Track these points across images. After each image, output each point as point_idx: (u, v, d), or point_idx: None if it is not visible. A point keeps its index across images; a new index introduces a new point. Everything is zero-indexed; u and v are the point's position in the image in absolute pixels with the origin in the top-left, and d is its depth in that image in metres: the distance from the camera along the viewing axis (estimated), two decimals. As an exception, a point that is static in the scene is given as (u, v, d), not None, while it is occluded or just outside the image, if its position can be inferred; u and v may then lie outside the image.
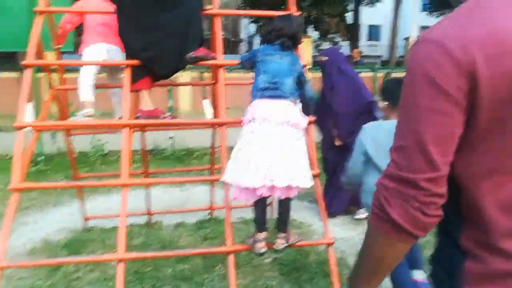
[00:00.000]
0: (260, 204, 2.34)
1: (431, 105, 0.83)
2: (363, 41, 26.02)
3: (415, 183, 0.85)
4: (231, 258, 2.40)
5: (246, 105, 2.42)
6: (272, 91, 2.27)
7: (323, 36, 17.20)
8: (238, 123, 2.63)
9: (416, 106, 0.85)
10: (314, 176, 2.47)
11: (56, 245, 3.62)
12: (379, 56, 28.01)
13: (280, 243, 2.38)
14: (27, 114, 3.02)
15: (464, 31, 0.82)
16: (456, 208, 0.93)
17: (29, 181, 5.38)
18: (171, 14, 2.70)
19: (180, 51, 2.73)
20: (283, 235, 2.39)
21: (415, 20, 13.45)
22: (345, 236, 3.85)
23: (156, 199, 4.39)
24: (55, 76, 3.69)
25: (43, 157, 6.57)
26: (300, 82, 2.43)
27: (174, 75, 3.14)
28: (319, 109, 4.18)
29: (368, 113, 3.85)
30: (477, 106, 0.81)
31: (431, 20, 22.50)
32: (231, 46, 25.93)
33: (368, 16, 24.10)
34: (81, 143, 6.14)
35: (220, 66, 2.94)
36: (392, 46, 13.98)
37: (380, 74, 12.19)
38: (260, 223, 2.39)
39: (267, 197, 2.30)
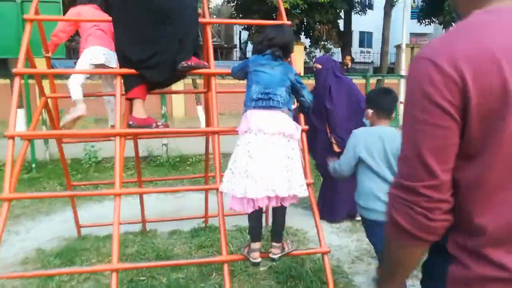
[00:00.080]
0: (256, 215, 2.33)
1: (426, 118, 0.90)
2: (355, 48, 26.21)
3: (416, 190, 0.92)
4: (226, 268, 2.38)
5: (240, 111, 2.43)
6: (265, 101, 2.28)
7: (315, 43, 17.30)
8: (231, 132, 2.63)
9: (413, 119, 0.93)
10: (308, 185, 2.47)
11: (49, 254, 3.57)
12: (371, 63, 28.27)
13: (275, 253, 2.37)
14: (18, 120, 3.00)
15: (454, 49, 0.88)
16: None
17: (21, 188, 5.39)
18: (170, 27, 2.71)
19: (174, 60, 2.74)
20: (278, 244, 2.39)
21: (406, 27, 13.58)
22: (340, 243, 3.85)
23: (150, 207, 4.37)
24: (46, 83, 3.68)
25: (35, 164, 6.50)
26: (295, 89, 2.44)
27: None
28: (313, 115, 4.23)
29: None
30: (469, 118, 0.87)
31: (421, 28, 22.79)
32: (224, 53, 25.98)
33: (359, 23, 24.30)
34: (75, 149, 6.11)
35: (212, 75, 2.94)
36: (383, 53, 14.09)
37: (372, 81, 12.29)
38: (255, 233, 2.39)
39: (263, 207, 2.30)
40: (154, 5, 2.68)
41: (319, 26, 15.27)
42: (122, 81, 2.86)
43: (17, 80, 2.68)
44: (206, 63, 2.89)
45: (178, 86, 9.85)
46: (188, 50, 2.77)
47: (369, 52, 29.52)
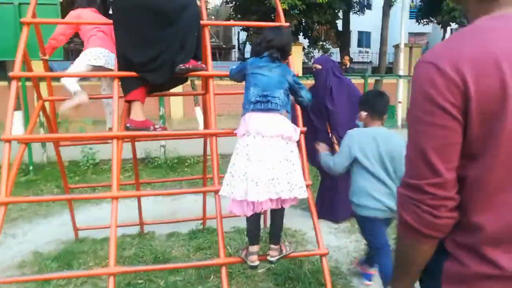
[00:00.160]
0: (254, 217, 2.32)
1: (429, 119, 0.93)
2: (353, 47, 26.24)
3: (421, 188, 0.96)
4: (224, 271, 2.37)
5: (238, 112, 2.42)
6: (263, 104, 2.27)
7: (314, 44, 17.29)
8: (229, 134, 2.63)
9: (417, 120, 0.97)
10: (306, 186, 2.46)
11: (46, 257, 3.55)
12: (369, 63, 28.28)
13: (273, 255, 2.37)
14: (15, 122, 2.99)
15: (457, 53, 0.91)
16: None
17: (18, 191, 5.37)
18: (170, 28, 2.71)
19: (173, 61, 2.73)
20: (276, 247, 2.38)
21: (404, 27, 13.59)
22: (339, 244, 3.84)
23: (148, 209, 4.35)
24: (43, 85, 3.66)
25: (32, 166, 6.49)
26: (293, 90, 2.43)
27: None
28: (313, 115, 4.25)
29: None
30: (469, 119, 0.90)
31: (419, 28, 22.81)
32: (223, 53, 25.98)
33: (358, 23, 24.35)
34: (72, 151, 6.09)
35: (210, 77, 2.93)
36: (382, 53, 14.10)
37: (371, 81, 12.31)
38: (253, 236, 2.38)
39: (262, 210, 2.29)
40: (154, 7, 2.68)
41: (318, 27, 15.26)
42: (120, 83, 2.86)
43: (13, 84, 2.67)
44: (204, 66, 2.88)
45: (176, 87, 9.86)
46: (188, 52, 2.77)
47: (368, 52, 29.54)
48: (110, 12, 2.87)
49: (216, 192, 2.56)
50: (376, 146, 2.62)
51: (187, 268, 3.20)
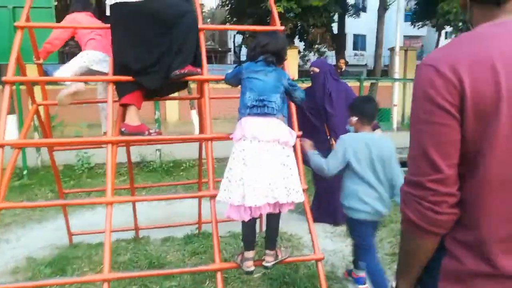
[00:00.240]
0: (250, 223, 2.31)
1: (428, 118, 0.98)
2: (349, 50, 26.32)
3: (423, 185, 1.00)
4: (219, 276, 2.36)
5: (234, 116, 2.41)
6: (260, 108, 2.26)
7: (309, 47, 17.34)
8: (225, 138, 2.62)
9: (418, 119, 1.01)
10: (302, 190, 2.46)
11: (40, 263, 3.52)
12: (364, 65, 28.39)
13: (268, 260, 2.35)
14: (9, 126, 2.97)
15: (454, 57, 0.97)
16: None
17: (12, 196, 5.33)
18: (169, 35, 2.71)
19: (169, 66, 2.72)
20: (271, 252, 2.37)
21: (399, 30, 13.65)
22: (334, 248, 3.83)
23: (143, 213, 4.34)
24: (38, 89, 3.64)
25: (26, 170, 6.45)
26: (288, 93, 2.43)
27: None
28: (313, 116, 4.26)
29: None
30: (465, 116, 0.95)
31: (414, 31, 22.93)
32: (218, 57, 25.98)
33: (353, 26, 24.43)
34: (67, 155, 6.06)
35: (205, 81, 2.92)
36: (377, 56, 14.14)
37: (366, 84, 12.34)
38: (248, 241, 2.37)
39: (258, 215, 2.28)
40: (154, 13, 2.68)
41: (313, 30, 15.32)
42: (115, 87, 2.85)
43: (7, 88, 2.65)
44: (199, 70, 2.87)
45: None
46: (185, 58, 2.75)
47: (363, 55, 29.67)
48: (108, 15, 2.85)
49: (212, 197, 2.55)
50: (369, 152, 2.70)
51: (182, 274, 3.18)
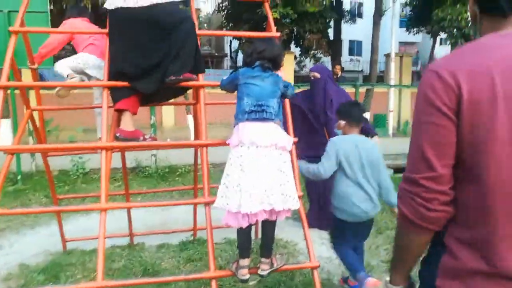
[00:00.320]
0: (245, 230, 2.29)
1: (428, 119, 1.03)
2: (344, 56, 26.40)
3: (417, 181, 1.05)
4: (214, 284, 2.33)
5: (230, 121, 2.40)
6: (258, 113, 2.26)
7: (305, 53, 17.37)
8: (220, 144, 2.60)
9: (418, 120, 1.07)
10: (298, 197, 2.44)
11: (33, 270, 3.48)
12: (360, 71, 28.49)
13: (264, 269, 2.33)
14: (4, 131, 2.95)
15: (455, 65, 1.02)
16: None
17: (6, 201, 5.28)
18: (167, 41, 2.70)
19: (165, 72, 2.71)
20: (267, 260, 2.35)
21: (394, 37, 13.72)
22: (330, 255, 3.79)
23: (138, 219, 4.29)
24: (32, 93, 3.63)
25: (20, 175, 6.39)
26: (283, 95, 2.43)
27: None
28: (314, 119, 4.26)
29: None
30: (461, 118, 0.99)
31: (409, 37, 23.05)
32: (215, 62, 26.00)
33: (349, 31, 24.52)
34: (62, 160, 6.01)
35: (200, 87, 2.91)
36: (373, 62, 14.20)
37: (362, 90, 12.38)
38: (243, 249, 2.35)
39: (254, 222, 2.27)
40: (154, 20, 2.68)
41: (309, 35, 15.33)
42: (110, 92, 2.83)
43: (0, 93, 2.61)
44: (195, 76, 2.86)
45: (168, 95, 9.82)
46: (182, 64, 2.73)
47: (359, 61, 29.77)
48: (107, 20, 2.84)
49: (207, 203, 2.53)
50: (358, 153, 2.81)
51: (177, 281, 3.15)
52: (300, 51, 18.05)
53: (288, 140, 2.31)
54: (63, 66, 3.37)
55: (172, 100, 3.46)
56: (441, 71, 1.02)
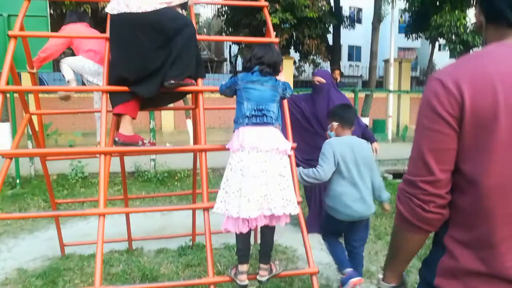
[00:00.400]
0: (244, 235, 2.28)
1: (429, 125, 1.07)
2: (344, 61, 26.47)
3: (416, 184, 1.09)
4: (213, 290, 2.32)
5: (229, 125, 2.40)
6: (259, 118, 2.27)
7: (304, 58, 17.38)
8: (220, 149, 2.60)
9: (421, 125, 1.10)
10: (298, 203, 2.44)
11: (30, 274, 3.47)
12: (359, 76, 28.52)
13: (263, 275, 2.33)
14: (3, 134, 2.95)
15: (459, 73, 1.05)
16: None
17: (4, 205, 5.27)
18: (168, 46, 2.70)
19: (164, 76, 2.71)
20: (266, 266, 2.34)
21: (393, 43, 13.75)
22: (329, 261, 3.77)
23: (137, 223, 4.29)
24: (31, 96, 3.63)
25: (19, 179, 6.38)
26: (283, 97, 2.44)
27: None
28: (316, 122, 4.26)
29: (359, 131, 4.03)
30: (463, 126, 1.02)
31: (408, 43, 23.10)
32: (214, 66, 26.04)
33: (348, 37, 24.58)
34: (61, 165, 6.01)
35: (199, 92, 2.91)
36: (372, 67, 14.22)
37: (361, 95, 12.38)
38: (242, 255, 2.34)
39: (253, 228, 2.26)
40: (156, 25, 2.68)
41: (308, 41, 15.34)
42: (109, 96, 2.83)
43: (-1, 97, 2.62)
44: (193, 81, 2.86)
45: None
46: (182, 69, 2.73)
47: (358, 66, 29.80)
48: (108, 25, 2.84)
49: (206, 209, 2.52)
50: (353, 154, 2.89)
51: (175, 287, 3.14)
52: (299, 56, 18.08)
53: (288, 145, 2.31)
54: (66, 67, 3.43)
55: (171, 105, 3.46)
56: (445, 79, 1.05)
